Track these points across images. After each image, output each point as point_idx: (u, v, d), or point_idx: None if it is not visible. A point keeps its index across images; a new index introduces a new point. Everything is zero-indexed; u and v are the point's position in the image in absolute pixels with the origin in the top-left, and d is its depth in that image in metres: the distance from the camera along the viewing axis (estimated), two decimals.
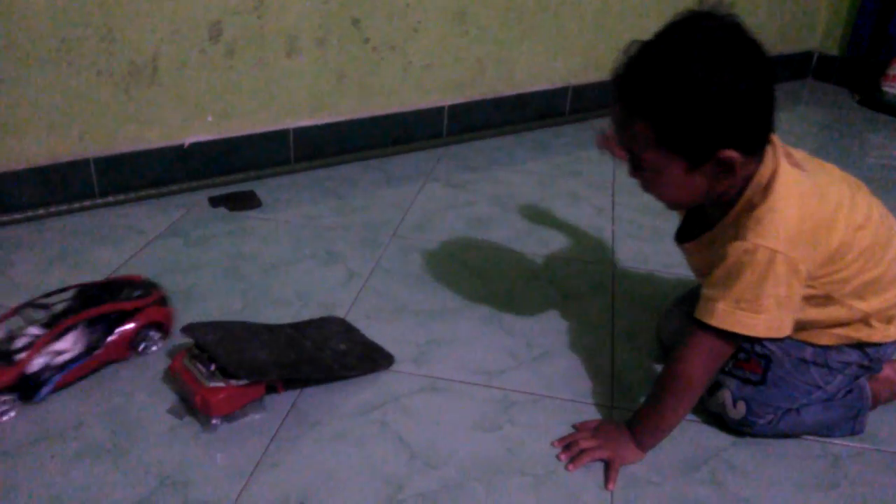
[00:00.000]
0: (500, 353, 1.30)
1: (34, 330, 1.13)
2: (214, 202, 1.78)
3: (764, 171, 0.98)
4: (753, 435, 1.12)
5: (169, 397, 1.14)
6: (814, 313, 1.05)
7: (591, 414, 1.17)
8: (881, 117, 2.76)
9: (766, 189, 0.97)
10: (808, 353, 1.09)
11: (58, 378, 1.11)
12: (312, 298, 1.42)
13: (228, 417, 1.09)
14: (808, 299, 1.03)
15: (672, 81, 0.90)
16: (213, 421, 1.07)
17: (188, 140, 1.81)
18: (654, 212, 1.81)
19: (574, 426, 1.13)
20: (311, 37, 1.90)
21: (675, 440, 1.10)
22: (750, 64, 0.91)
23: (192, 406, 1.09)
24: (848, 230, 1.00)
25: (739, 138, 0.93)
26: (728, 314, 0.98)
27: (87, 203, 1.70)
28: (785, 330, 1.00)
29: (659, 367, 1.29)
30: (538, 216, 1.82)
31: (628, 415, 1.12)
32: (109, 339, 1.17)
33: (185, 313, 1.33)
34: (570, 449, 1.08)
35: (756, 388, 1.09)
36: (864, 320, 1.07)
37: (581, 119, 2.51)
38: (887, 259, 1.05)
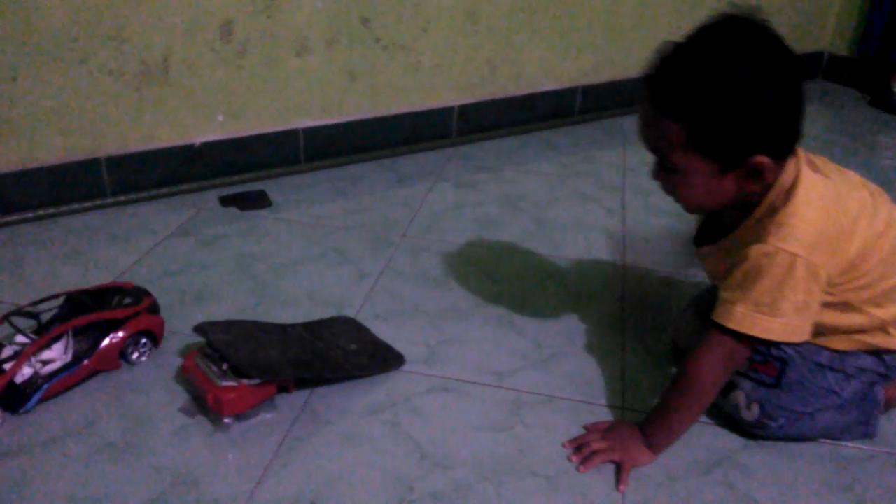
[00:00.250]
0: (511, 354, 1.30)
1: (22, 339, 1.12)
2: (225, 202, 1.78)
3: (786, 177, 0.98)
4: (766, 438, 1.12)
5: (181, 396, 1.15)
6: (831, 317, 1.05)
7: (602, 415, 1.17)
8: (892, 118, 2.75)
9: (788, 194, 0.97)
10: (824, 357, 1.09)
11: (46, 388, 1.09)
12: (323, 298, 1.42)
13: (240, 417, 1.09)
14: (827, 306, 1.02)
15: (710, 84, 0.90)
16: (226, 420, 1.07)
17: (199, 139, 1.82)
18: (664, 213, 1.81)
19: (585, 427, 1.13)
20: (322, 36, 1.90)
21: (686, 442, 1.10)
22: (785, 70, 0.91)
23: (205, 405, 1.10)
24: (868, 237, 1.00)
25: (772, 144, 0.93)
26: (746, 317, 0.98)
27: (98, 202, 1.70)
28: (803, 335, 1.00)
29: (670, 369, 1.28)
30: (548, 217, 1.82)
31: (639, 416, 1.12)
32: (99, 348, 1.15)
33: (196, 312, 1.34)
34: (582, 450, 1.08)
35: (771, 391, 1.09)
36: (882, 328, 1.07)
37: (591, 119, 2.51)
38: None
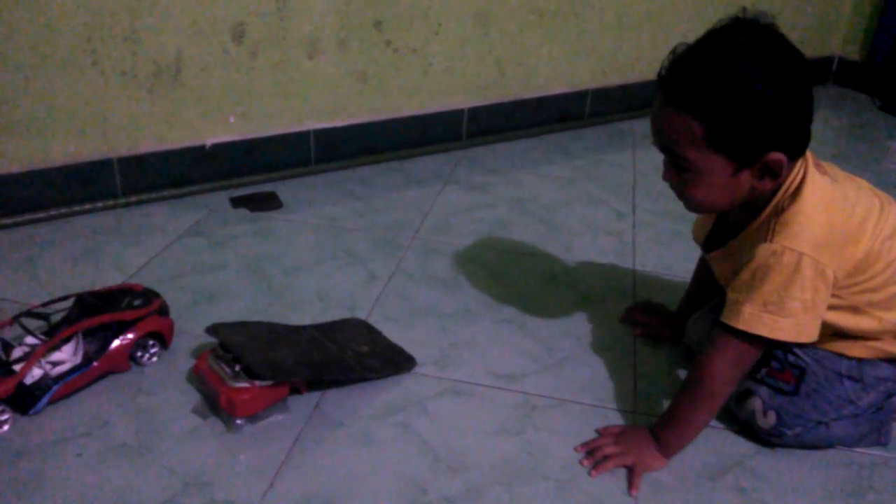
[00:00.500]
0: (522, 357, 1.30)
1: (32, 340, 1.12)
2: (236, 203, 1.78)
3: (793, 178, 0.99)
4: (780, 445, 1.12)
5: (193, 397, 1.15)
6: (843, 320, 1.05)
7: (614, 419, 1.17)
8: None
9: (795, 195, 0.98)
10: (842, 366, 1.09)
11: (55, 389, 1.09)
12: (334, 300, 1.42)
13: (252, 418, 1.09)
14: (836, 309, 1.02)
15: (729, 81, 0.90)
16: (238, 421, 1.08)
17: (210, 141, 1.82)
18: (674, 216, 1.81)
19: (597, 431, 1.13)
20: (333, 38, 1.90)
21: (699, 447, 1.10)
22: (798, 70, 0.92)
23: (217, 406, 1.10)
24: (875, 240, 1.00)
25: (787, 141, 0.94)
26: (754, 317, 0.98)
27: (109, 202, 1.71)
28: (811, 335, 1.00)
29: (681, 373, 1.28)
30: (558, 219, 1.82)
31: (651, 421, 1.12)
32: (108, 349, 1.15)
33: (207, 313, 1.34)
34: (594, 454, 1.08)
35: (788, 399, 1.08)
36: (895, 333, 1.07)
37: (601, 123, 2.51)
38: None
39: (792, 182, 0.99)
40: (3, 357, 1.09)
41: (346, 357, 1.20)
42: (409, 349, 1.28)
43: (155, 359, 1.22)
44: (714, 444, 1.13)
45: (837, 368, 1.08)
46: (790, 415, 1.08)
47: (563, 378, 1.25)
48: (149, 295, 1.25)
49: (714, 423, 1.15)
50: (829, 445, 1.13)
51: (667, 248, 1.70)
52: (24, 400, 1.08)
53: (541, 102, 2.38)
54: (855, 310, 1.04)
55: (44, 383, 1.09)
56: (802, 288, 0.96)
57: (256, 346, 1.13)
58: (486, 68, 2.22)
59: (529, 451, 1.09)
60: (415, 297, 1.45)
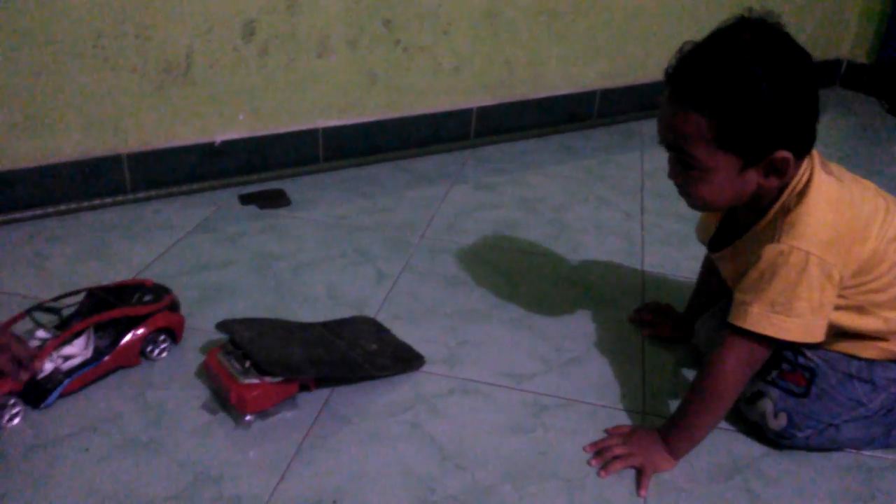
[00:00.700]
0: (531, 357, 1.30)
1: (43, 333, 1.12)
2: (244, 200, 1.79)
3: (800, 178, 1.00)
4: (790, 447, 1.12)
5: (202, 393, 1.15)
6: (849, 320, 1.05)
7: (622, 419, 1.17)
8: None
9: (801, 195, 0.99)
10: (853, 367, 1.09)
11: (66, 383, 1.09)
12: (342, 298, 1.42)
13: (262, 414, 1.09)
14: (842, 309, 1.02)
15: (737, 80, 0.91)
16: (247, 417, 1.08)
17: (219, 138, 1.83)
18: (683, 217, 1.81)
19: (606, 431, 1.13)
20: (343, 37, 1.91)
21: (708, 448, 1.10)
22: (804, 69, 0.93)
23: (226, 402, 1.10)
24: (881, 241, 1.01)
25: (794, 140, 0.95)
26: (762, 317, 0.98)
27: (119, 198, 1.72)
28: (819, 335, 1.00)
29: (689, 373, 1.28)
30: (566, 219, 1.82)
31: (660, 422, 1.12)
32: (119, 344, 1.15)
33: (216, 309, 1.34)
34: (602, 455, 1.08)
35: (799, 401, 1.08)
36: None
37: (608, 123, 2.51)
38: None
39: (798, 182, 0.99)
40: None
41: (355, 355, 1.20)
42: (418, 348, 1.28)
43: (165, 354, 1.22)
44: (723, 445, 1.13)
45: (848, 370, 1.08)
46: (801, 416, 1.08)
47: (572, 378, 1.25)
48: (160, 291, 1.25)
49: (723, 424, 1.15)
50: (839, 448, 1.13)
51: (675, 249, 1.70)
52: (36, 394, 1.08)
53: (549, 102, 2.38)
54: (860, 310, 1.04)
55: (55, 377, 1.09)
56: (810, 288, 0.96)
57: (266, 343, 1.13)
58: (495, 68, 2.22)
59: (538, 450, 1.09)
60: (423, 296, 1.45)
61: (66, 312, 1.20)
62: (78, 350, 1.12)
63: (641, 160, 2.21)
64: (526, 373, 1.25)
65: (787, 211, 0.99)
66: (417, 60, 2.06)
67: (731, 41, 0.93)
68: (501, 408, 1.17)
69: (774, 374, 1.10)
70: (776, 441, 1.11)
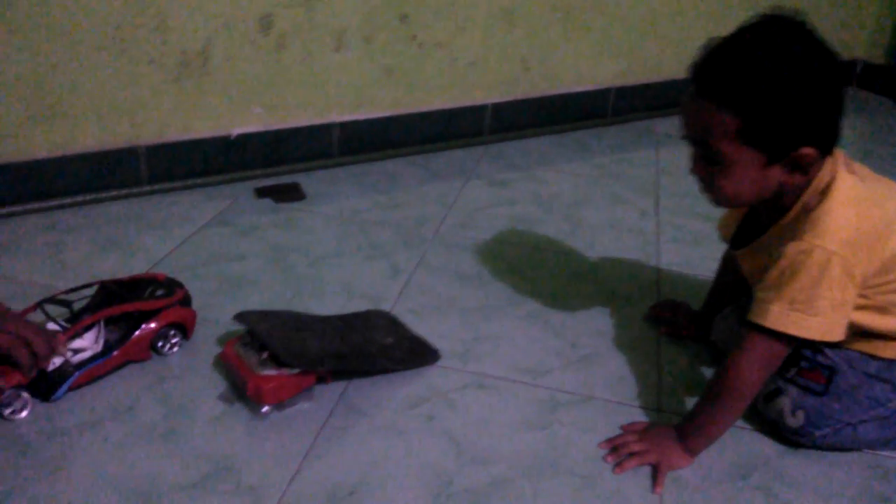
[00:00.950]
0: (546, 353, 1.29)
1: (53, 326, 1.11)
2: (260, 193, 1.79)
3: (822, 176, 0.99)
4: (806, 446, 1.11)
5: (219, 383, 1.15)
6: (870, 320, 1.04)
7: (638, 416, 1.17)
8: None
9: (824, 193, 0.98)
10: (872, 367, 1.08)
11: (76, 376, 1.09)
12: (358, 291, 1.42)
13: (278, 406, 1.09)
14: (863, 308, 1.02)
15: (764, 76, 0.91)
16: (264, 409, 1.08)
17: (235, 131, 1.83)
18: (698, 215, 1.80)
19: (622, 428, 1.13)
20: (360, 32, 1.91)
21: (724, 446, 1.10)
22: (830, 66, 0.93)
23: (243, 393, 1.10)
24: None
25: (819, 136, 0.95)
26: (782, 315, 0.98)
27: (135, 190, 1.72)
28: (839, 334, 0.99)
29: (706, 371, 1.28)
30: (581, 217, 1.81)
31: (675, 419, 1.12)
32: (130, 338, 1.15)
33: (232, 302, 1.35)
34: (618, 451, 1.08)
35: (818, 399, 1.08)
36: None
37: (623, 121, 2.50)
38: None
39: (821, 180, 0.99)
40: None
41: (371, 348, 1.21)
42: (433, 342, 1.28)
43: (176, 349, 1.21)
44: (739, 444, 1.12)
45: (867, 369, 1.08)
46: (819, 415, 1.08)
47: (588, 374, 1.25)
48: (172, 285, 1.25)
49: (740, 422, 1.14)
50: (856, 448, 1.12)
51: (691, 247, 1.69)
52: (45, 386, 1.07)
53: (564, 100, 2.37)
54: (881, 310, 1.04)
55: (65, 370, 1.08)
56: (831, 286, 0.96)
57: (283, 335, 1.13)
58: (511, 65, 2.22)
59: (554, 445, 1.09)
60: (438, 291, 1.45)
61: (77, 306, 1.19)
62: (88, 343, 1.12)
63: (657, 158, 2.20)
64: (541, 368, 1.25)
65: (809, 209, 0.98)
66: (433, 56, 2.06)
67: (758, 37, 0.93)
68: (517, 403, 1.17)
69: (793, 371, 1.09)
70: (793, 439, 1.11)
